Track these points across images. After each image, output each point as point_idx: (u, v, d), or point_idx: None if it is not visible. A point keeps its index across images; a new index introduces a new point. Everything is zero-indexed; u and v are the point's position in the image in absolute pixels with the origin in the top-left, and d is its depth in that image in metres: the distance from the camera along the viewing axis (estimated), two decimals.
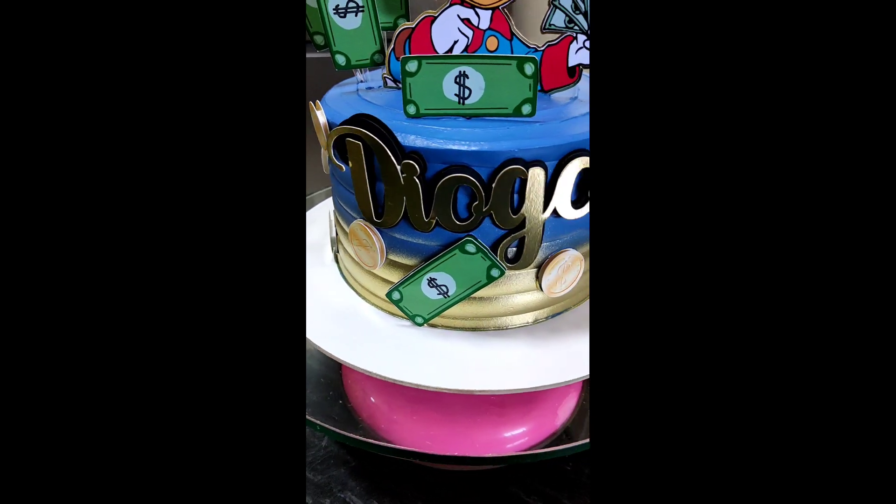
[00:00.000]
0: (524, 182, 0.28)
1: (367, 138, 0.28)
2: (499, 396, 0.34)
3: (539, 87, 0.33)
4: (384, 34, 0.34)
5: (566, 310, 0.36)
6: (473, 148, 0.27)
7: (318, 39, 0.35)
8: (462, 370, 0.31)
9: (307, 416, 0.33)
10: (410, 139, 0.28)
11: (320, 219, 0.46)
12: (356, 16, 0.33)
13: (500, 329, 0.34)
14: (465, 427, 0.38)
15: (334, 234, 0.40)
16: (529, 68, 0.28)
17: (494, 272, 0.31)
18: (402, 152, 0.28)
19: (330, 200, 0.49)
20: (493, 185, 0.28)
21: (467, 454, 0.33)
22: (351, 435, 0.32)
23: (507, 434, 0.39)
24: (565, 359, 0.32)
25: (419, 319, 0.34)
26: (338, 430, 0.32)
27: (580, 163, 0.28)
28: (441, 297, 0.32)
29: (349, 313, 0.36)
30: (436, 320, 0.34)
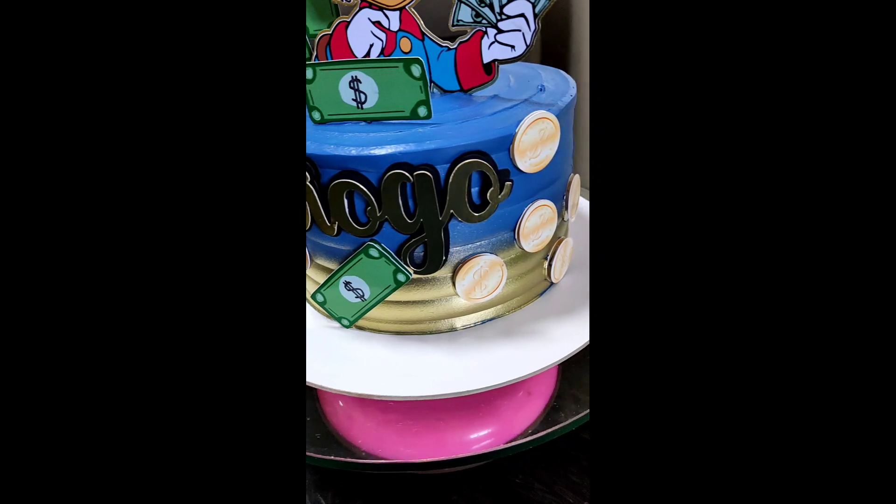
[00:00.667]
0: (412, 186, 0.27)
1: None
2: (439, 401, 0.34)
3: (456, 86, 0.32)
4: (312, 42, 0.35)
5: (499, 316, 0.35)
6: (361, 153, 0.27)
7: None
8: (381, 374, 0.32)
9: None
10: (311, 145, 0.29)
11: None
12: None
13: (427, 333, 0.34)
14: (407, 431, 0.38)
15: None
16: (416, 70, 0.27)
17: (400, 276, 0.30)
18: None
19: None
20: (381, 190, 0.27)
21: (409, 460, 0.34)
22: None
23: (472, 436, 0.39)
24: (482, 366, 0.31)
25: (345, 322, 0.34)
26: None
27: (475, 165, 0.27)
28: (359, 300, 0.32)
29: (318, 334, 0.37)
30: (365, 323, 0.34)
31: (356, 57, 0.32)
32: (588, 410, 0.36)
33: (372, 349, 0.34)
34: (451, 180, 0.27)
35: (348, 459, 0.35)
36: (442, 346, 0.33)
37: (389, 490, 0.41)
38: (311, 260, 0.34)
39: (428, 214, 0.28)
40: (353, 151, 0.27)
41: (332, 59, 0.33)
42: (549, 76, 0.36)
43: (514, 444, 0.34)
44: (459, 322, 0.34)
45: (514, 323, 0.34)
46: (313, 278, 0.35)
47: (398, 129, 0.29)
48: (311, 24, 0.35)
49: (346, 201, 0.28)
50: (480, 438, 0.39)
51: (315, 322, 0.36)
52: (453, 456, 0.34)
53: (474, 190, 0.29)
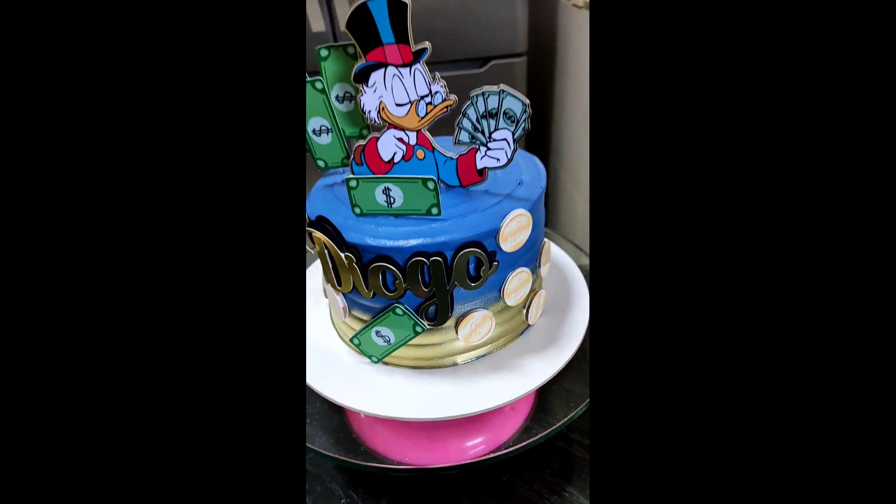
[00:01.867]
0: (429, 269, 0.38)
1: (322, 238, 0.40)
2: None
3: (457, 183, 0.43)
4: (350, 143, 0.46)
5: (489, 353, 0.46)
6: (393, 244, 0.38)
7: (320, 163, 0.48)
8: (403, 400, 0.42)
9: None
10: (352, 235, 0.40)
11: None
12: (328, 135, 0.45)
13: (436, 367, 0.45)
14: (427, 440, 0.49)
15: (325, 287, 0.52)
16: (430, 184, 0.38)
17: (418, 328, 0.41)
18: (346, 246, 0.40)
19: None
20: (407, 270, 0.39)
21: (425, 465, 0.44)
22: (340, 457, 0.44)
23: (468, 443, 0.49)
24: (477, 393, 0.42)
25: (374, 358, 0.45)
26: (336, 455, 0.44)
27: (472, 252, 0.38)
28: (386, 343, 0.43)
29: (328, 351, 0.48)
30: (389, 360, 0.45)
31: (384, 160, 0.44)
32: (560, 423, 0.47)
33: (393, 380, 0.44)
34: (455, 262, 0.38)
35: (375, 465, 0.45)
36: (447, 378, 0.44)
37: (407, 488, 0.52)
38: (349, 312, 0.44)
39: (439, 285, 0.39)
40: (388, 243, 0.38)
41: (365, 162, 0.44)
42: (526, 166, 0.48)
43: (503, 452, 0.45)
44: (460, 359, 0.45)
45: (501, 359, 0.45)
46: (350, 325, 0.45)
47: (417, 224, 0.40)
48: (347, 129, 0.46)
49: (380, 276, 0.39)
50: (476, 445, 0.50)
51: (350, 358, 0.47)
52: (455, 462, 0.45)
53: (471, 267, 0.40)
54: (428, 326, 0.41)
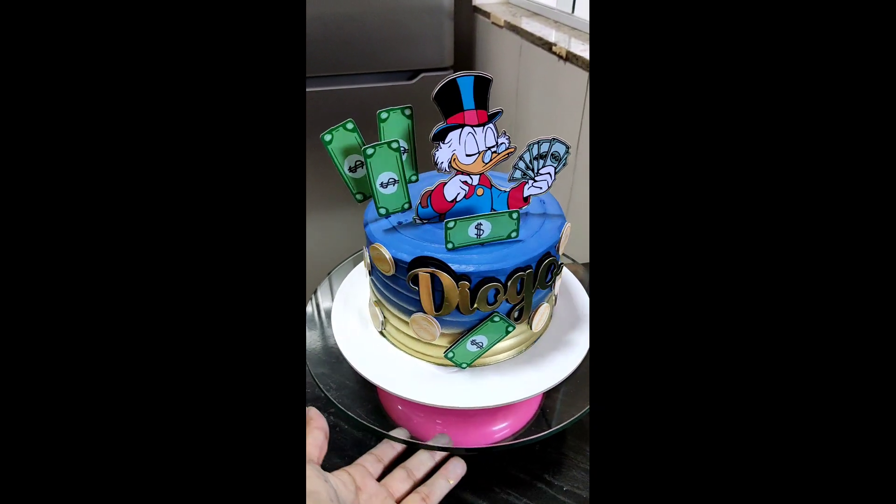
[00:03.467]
0: (523, 279, 0.49)
1: (436, 272, 0.47)
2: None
3: (505, 208, 0.54)
4: (408, 188, 0.53)
5: (536, 340, 0.59)
6: (500, 266, 0.48)
7: (359, 197, 0.53)
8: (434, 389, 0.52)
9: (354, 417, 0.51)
10: (462, 267, 0.48)
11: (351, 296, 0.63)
12: (394, 186, 0.51)
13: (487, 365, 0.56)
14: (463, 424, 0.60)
15: (381, 318, 0.57)
16: (514, 215, 0.49)
17: (510, 328, 0.52)
18: (455, 275, 0.48)
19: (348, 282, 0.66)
20: (508, 284, 0.49)
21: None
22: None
23: (495, 428, 0.61)
24: (532, 378, 0.55)
25: (464, 365, 0.54)
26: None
27: (549, 260, 0.51)
28: (477, 349, 0.53)
29: (396, 362, 0.54)
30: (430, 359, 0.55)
31: (447, 200, 0.52)
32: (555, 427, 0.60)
33: (428, 373, 0.54)
34: (539, 271, 0.50)
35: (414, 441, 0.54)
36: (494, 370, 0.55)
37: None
38: (440, 332, 0.52)
39: (528, 291, 0.50)
40: (496, 266, 0.48)
41: (430, 204, 0.52)
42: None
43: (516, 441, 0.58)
44: (526, 345, 0.57)
45: (506, 367, 0.58)
46: (436, 344, 0.53)
47: (503, 248, 0.50)
48: (408, 172, 0.53)
49: (487, 294, 0.49)
50: (502, 429, 0.61)
51: (424, 367, 0.54)
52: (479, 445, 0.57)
53: (549, 271, 0.52)
54: (516, 325, 0.52)
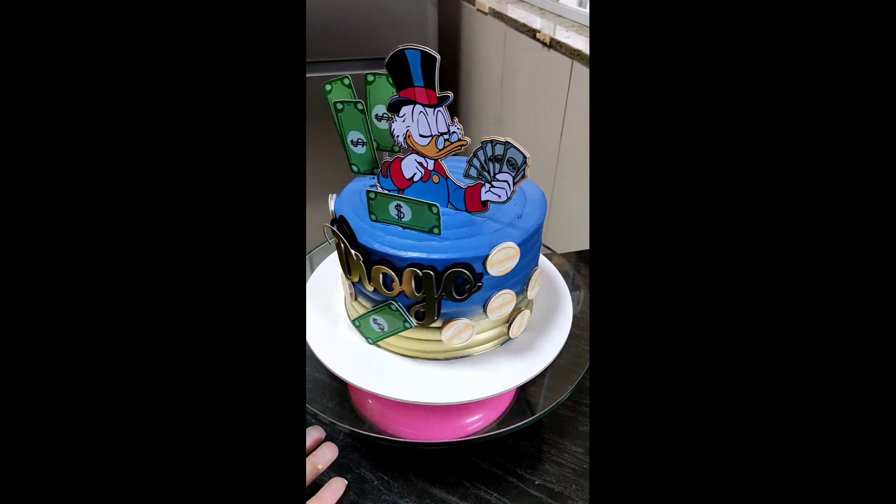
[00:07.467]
0: (419, 278, 0.46)
1: (339, 236, 0.48)
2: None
3: (463, 208, 0.50)
4: (381, 155, 0.53)
5: (469, 355, 0.53)
6: (395, 252, 0.46)
7: (354, 168, 0.55)
8: (410, 385, 0.50)
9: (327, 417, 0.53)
10: (364, 238, 0.47)
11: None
12: (362, 147, 0.52)
13: (429, 360, 0.53)
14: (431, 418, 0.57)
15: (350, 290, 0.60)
16: (434, 209, 0.45)
17: (407, 324, 0.49)
18: (357, 245, 0.47)
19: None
20: (403, 275, 0.46)
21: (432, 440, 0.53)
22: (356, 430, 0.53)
23: (467, 420, 0.57)
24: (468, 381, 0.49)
25: (370, 340, 0.53)
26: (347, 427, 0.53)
27: (460, 271, 0.45)
28: (381, 331, 0.51)
29: (358, 350, 0.55)
30: (393, 349, 0.53)
31: (405, 177, 0.51)
32: (531, 417, 0.53)
33: (398, 366, 0.52)
34: (444, 277, 0.46)
35: (393, 438, 0.53)
36: (439, 368, 0.52)
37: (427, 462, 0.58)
38: (356, 297, 0.53)
39: (428, 293, 0.47)
40: (390, 250, 0.46)
41: (390, 176, 0.51)
42: (531, 199, 0.53)
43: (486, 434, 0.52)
44: (450, 355, 0.52)
45: (482, 360, 0.52)
46: (355, 308, 0.54)
47: (419, 238, 0.47)
48: (382, 142, 0.54)
49: (381, 276, 0.47)
50: (475, 421, 0.57)
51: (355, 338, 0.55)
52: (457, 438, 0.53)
53: (458, 283, 0.47)
54: (416, 324, 0.49)
